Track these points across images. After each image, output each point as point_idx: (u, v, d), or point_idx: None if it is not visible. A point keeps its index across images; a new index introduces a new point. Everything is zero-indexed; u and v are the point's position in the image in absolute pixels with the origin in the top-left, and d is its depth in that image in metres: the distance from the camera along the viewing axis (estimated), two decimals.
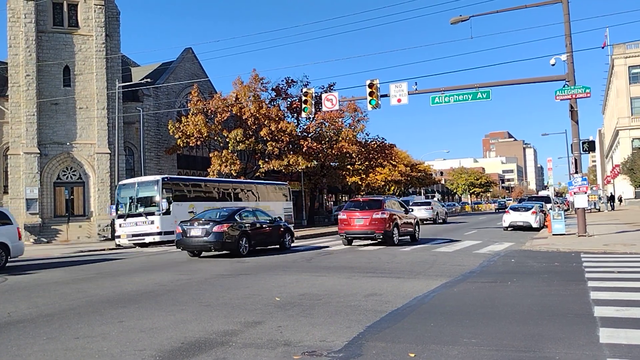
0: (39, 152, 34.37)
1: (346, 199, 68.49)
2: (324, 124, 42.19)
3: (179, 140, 38.02)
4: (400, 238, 20.62)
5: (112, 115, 35.75)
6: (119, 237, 26.78)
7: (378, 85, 21.75)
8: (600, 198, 55.86)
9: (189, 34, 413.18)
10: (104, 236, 33.63)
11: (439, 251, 17.49)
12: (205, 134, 37.83)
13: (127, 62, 44.59)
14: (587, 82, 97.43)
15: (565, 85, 20.27)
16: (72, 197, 35.97)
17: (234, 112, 38.71)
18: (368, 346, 5.84)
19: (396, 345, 5.86)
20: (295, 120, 42.33)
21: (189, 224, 17.78)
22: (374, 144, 47.15)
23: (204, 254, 18.19)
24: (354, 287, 10.13)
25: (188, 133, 37.61)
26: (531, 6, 21.29)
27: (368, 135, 47.40)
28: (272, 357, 5.56)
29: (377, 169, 54.31)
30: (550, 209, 28.72)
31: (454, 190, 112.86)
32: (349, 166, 47.64)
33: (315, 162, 42.34)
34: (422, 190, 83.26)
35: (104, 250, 24.80)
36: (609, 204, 52.13)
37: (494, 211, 74.93)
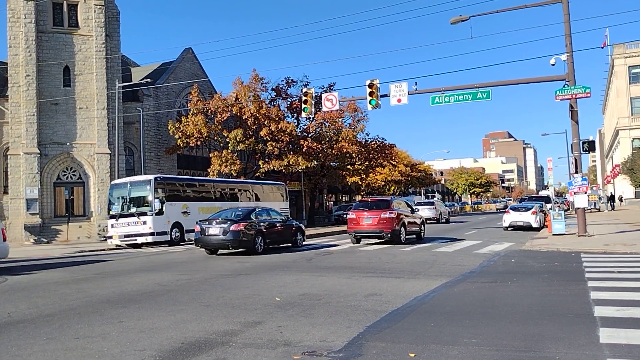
0: (39, 152, 34.39)
1: (346, 199, 68.63)
2: (324, 124, 42.21)
3: (179, 140, 38.04)
4: (407, 237, 20.97)
5: (112, 115, 35.77)
6: (110, 237, 26.42)
7: (378, 85, 21.76)
8: (600, 198, 55.85)
9: (189, 34, 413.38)
10: (104, 236, 33.51)
11: (439, 251, 17.49)
12: (205, 134, 37.85)
13: (127, 62, 44.62)
14: (587, 82, 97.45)
15: (565, 85, 20.27)
16: (72, 197, 35.99)
17: (234, 112, 38.72)
18: (368, 346, 5.84)
19: (396, 345, 5.86)
20: (295, 120, 42.35)
21: (207, 222, 18.31)
22: (374, 144, 47.14)
23: (220, 251, 18.72)
24: (354, 287, 10.13)
25: (188, 133, 37.62)
26: (531, 6, 21.30)
27: (368, 135, 47.54)
28: (272, 357, 5.55)
29: (377, 169, 54.31)
30: (551, 209, 28.68)
31: (454, 190, 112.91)
32: (349, 166, 47.63)
33: (315, 162, 42.36)
34: (422, 191, 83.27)
35: (104, 250, 24.76)
36: (609, 204, 52.11)
37: (495, 211, 74.63)
